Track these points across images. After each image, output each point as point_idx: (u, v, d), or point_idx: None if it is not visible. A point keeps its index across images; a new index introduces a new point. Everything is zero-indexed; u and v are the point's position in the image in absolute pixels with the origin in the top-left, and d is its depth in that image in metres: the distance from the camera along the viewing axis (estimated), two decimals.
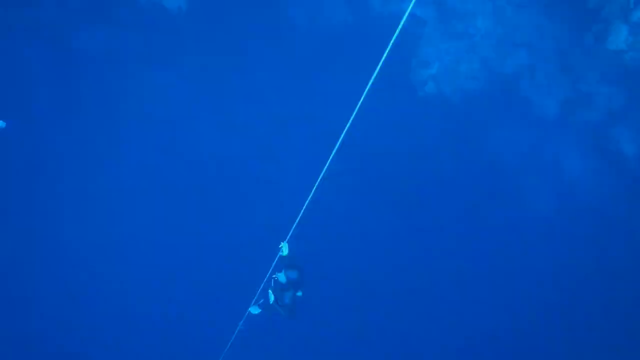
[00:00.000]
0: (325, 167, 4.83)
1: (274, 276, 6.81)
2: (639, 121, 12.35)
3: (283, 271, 6.65)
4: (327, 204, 6.65)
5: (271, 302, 7.06)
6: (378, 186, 13.92)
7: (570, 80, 12.50)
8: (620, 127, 12.48)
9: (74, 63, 13.84)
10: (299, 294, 7.50)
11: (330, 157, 4.77)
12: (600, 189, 13.25)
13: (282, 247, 6.61)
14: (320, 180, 5.14)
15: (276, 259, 6.66)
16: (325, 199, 5.93)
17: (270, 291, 6.99)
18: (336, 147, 4.58)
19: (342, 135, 4.45)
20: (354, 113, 4.25)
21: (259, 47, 14.57)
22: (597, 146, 12.86)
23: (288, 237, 6.19)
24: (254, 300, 7.46)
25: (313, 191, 5.27)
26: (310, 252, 7.17)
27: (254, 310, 7.73)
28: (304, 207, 5.55)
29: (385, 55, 3.82)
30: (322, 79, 14.39)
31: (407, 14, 3.56)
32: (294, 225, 5.94)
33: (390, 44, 3.70)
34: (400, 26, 3.60)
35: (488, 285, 14.29)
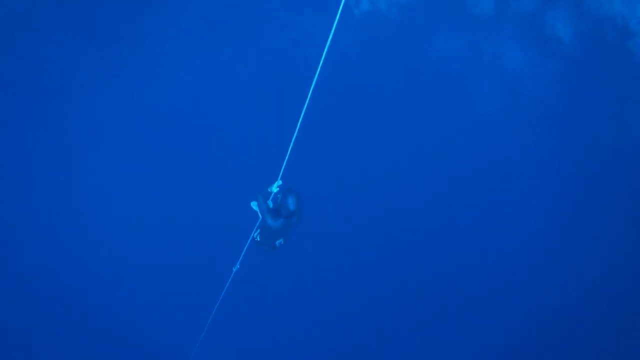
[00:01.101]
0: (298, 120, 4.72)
1: (272, 189, 6.39)
2: (570, 2, 12.55)
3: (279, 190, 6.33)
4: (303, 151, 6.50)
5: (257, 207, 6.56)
6: (342, 117, 13.81)
7: None
8: (553, 11, 12.68)
9: None
10: (281, 241, 7.38)
11: (301, 115, 4.66)
12: (543, 77, 13.59)
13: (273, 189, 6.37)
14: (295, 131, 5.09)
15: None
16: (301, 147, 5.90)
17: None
18: (307, 98, 4.44)
19: (315, 80, 4.34)
20: (324, 56, 4.10)
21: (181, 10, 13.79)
22: (535, 35, 13.06)
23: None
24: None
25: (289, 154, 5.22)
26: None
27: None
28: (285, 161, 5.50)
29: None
30: (251, 15, 13.89)
31: None
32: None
33: None
34: None
35: (446, 201, 14.59)
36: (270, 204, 6.53)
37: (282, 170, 6.12)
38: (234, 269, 7.64)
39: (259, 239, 6.86)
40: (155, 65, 13.49)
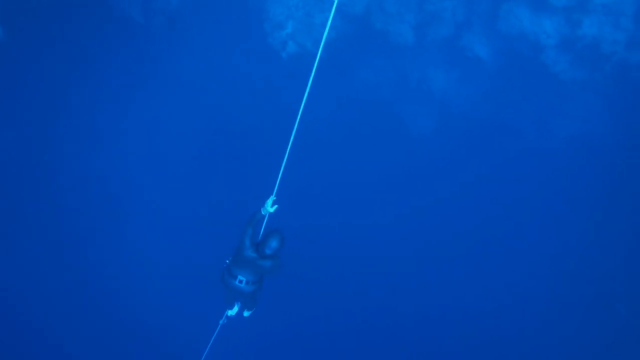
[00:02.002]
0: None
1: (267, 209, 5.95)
2: (484, 24, 13.26)
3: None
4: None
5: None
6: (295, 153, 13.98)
7: (417, 3, 13.03)
8: (470, 34, 13.34)
9: None
10: (246, 314, 7.25)
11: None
12: (468, 95, 14.23)
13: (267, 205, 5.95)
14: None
15: None
16: None
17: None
18: None
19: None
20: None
21: (103, 54, 13.68)
22: (456, 57, 13.68)
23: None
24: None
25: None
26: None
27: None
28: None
29: None
30: (173, 69, 13.95)
31: None
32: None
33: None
34: None
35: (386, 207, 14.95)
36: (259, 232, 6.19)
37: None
38: (221, 322, 7.32)
39: (228, 262, 6.41)
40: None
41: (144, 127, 14.63)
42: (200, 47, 13.80)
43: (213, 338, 7.42)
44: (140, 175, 14.51)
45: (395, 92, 14.40)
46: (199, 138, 14.68)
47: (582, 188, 13.99)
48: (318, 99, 14.34)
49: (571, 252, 13.76)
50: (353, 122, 14.57)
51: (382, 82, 14.65)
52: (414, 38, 13.43)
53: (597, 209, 13.54)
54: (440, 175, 15.11)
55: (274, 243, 5.94)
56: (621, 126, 13.35)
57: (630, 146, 13.30)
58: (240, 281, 6.17)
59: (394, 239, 15.11)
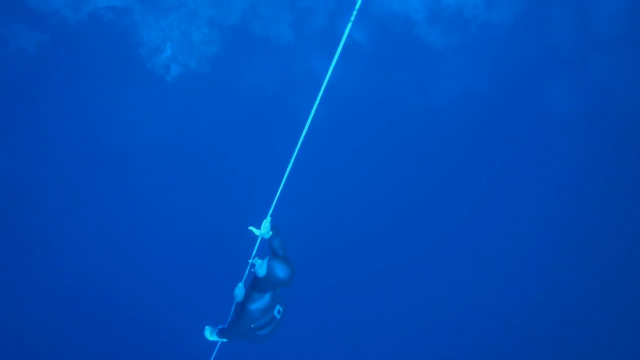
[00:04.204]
0: None
1: (251, 261, 5.08)
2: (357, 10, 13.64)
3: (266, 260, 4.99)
4: None
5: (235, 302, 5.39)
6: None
7: (289, 3, 13.10)
8: (345, 21, 13.68)
9: None
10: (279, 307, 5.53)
11: None
12: (354, 78, 14.70)
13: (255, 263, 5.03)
14: None
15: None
16: None
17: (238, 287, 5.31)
18: None
19: None
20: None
21: None
22: (335, 46, 13.97)
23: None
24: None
25: None
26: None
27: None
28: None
29: None
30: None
31: None
32: None
33: None
34: None
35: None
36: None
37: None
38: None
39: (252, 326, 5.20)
40: None
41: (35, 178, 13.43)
42: (74, 89, 12.79)
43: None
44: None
45: (283, 88, 14.45)
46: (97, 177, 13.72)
47: (474, 140, 15.12)
48: (211, 115, 14.12)
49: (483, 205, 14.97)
50: (254, 128, 14.45)
51: (267, 82, 14.63)
52: (294, 35, 13.54)
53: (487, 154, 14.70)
54: (340, 159, 15.43)
55: (287, 272, 4.99)
56: (495, 79, 14.62)
57: (505, 97, 14.63)
58: (279, 312, 5.26)
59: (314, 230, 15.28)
